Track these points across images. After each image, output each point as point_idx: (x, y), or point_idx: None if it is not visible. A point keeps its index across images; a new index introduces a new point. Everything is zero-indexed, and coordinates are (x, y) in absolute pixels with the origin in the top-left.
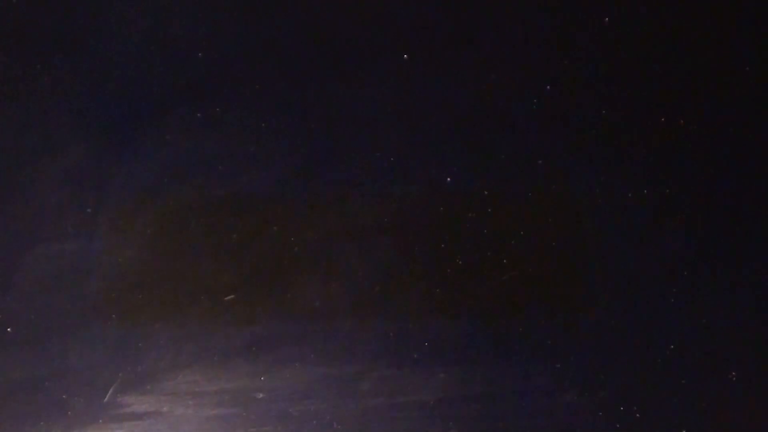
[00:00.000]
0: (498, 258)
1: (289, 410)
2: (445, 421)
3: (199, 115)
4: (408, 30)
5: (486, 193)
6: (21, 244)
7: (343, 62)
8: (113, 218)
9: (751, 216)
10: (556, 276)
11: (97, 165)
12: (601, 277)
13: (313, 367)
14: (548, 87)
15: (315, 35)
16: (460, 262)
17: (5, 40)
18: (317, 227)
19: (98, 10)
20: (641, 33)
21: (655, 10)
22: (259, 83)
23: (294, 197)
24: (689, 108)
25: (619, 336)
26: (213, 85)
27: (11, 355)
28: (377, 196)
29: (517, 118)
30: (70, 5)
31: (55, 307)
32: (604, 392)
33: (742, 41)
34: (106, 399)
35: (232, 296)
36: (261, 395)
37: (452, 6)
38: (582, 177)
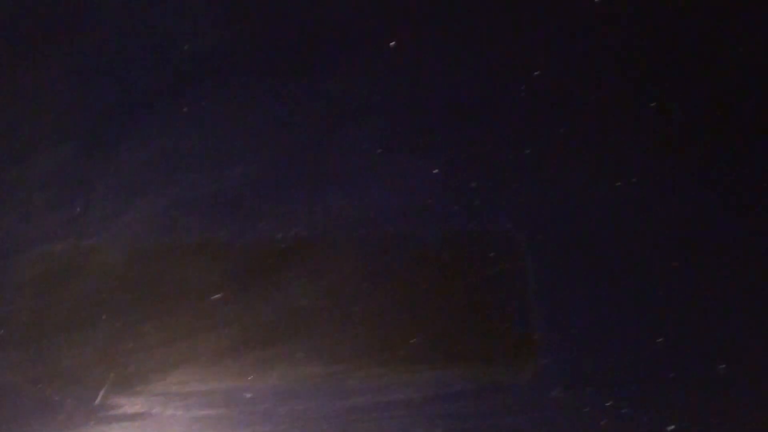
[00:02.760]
0: (484, 252)
1: (276, 409)
2: (430, 419)
3: (185, 110)
4: (394, 17)
5: (473, 185)
6: (11, 247)
7: (330, 54)
8: (101, 218)
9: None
10: (543, 268)
11: (85, 164)
12: (588, 269)
13: (299, 367)
14: (537, 73)
15: (301, 26)
16: (446, 258)
17: None
18: (304, 223)
19: (82, 4)
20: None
21: None
22: (246, 77)
23: (281, 193)
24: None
25: (608, 330)
26: (199, 79)
27: (4, 357)
28: (363, 191)
29: (505, 107)
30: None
31: (46, 309)
32: (590, 387)
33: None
34: (97, 401)
35: (219, 295)
36: (249, 395)
37: None
38: (572, 167)
